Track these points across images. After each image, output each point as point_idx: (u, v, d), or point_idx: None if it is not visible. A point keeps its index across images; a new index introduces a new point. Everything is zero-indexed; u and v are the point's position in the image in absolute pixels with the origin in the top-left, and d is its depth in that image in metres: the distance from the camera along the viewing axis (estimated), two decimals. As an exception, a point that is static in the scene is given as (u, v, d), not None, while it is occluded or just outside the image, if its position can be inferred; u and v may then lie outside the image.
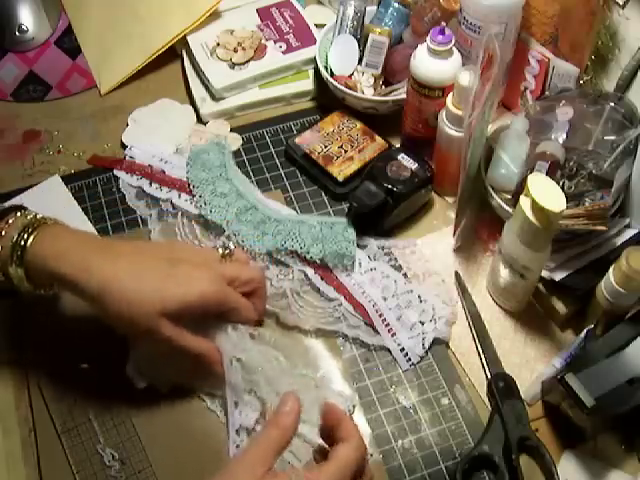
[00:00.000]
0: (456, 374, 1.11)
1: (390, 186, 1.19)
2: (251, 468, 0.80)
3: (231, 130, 1.40)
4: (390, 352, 1.11)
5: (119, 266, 0.95)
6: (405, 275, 1.20)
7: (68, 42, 1.54)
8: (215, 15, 1.50)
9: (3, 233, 0.97)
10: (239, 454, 0.85)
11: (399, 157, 1.24)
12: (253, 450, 0.82)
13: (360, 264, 1.19)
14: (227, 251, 1.09)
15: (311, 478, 0.80)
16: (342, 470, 0.82)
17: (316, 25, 1.51)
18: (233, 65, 1.44)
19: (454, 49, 1.19)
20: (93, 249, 0.97)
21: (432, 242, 1.24)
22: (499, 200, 1.16)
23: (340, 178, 1.28)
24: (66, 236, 1.00)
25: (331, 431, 0.87)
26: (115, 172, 1.31)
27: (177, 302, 0.95)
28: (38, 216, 1.01)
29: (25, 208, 1.02)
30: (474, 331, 1.14)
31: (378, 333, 1.13)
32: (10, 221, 0.98)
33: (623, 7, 1.18)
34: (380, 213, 1.21)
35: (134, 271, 0.96)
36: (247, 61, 1.44)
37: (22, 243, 0.95)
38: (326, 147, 1.32)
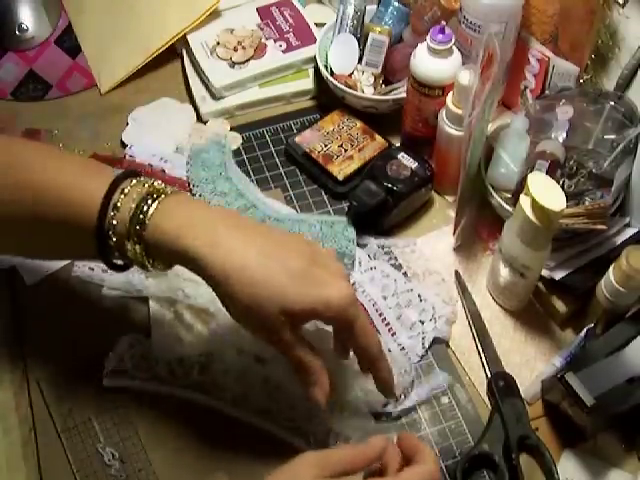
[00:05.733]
0: (456, 373, 1.11)
1: (390, 185, 1.19)
2: (310, 468, 0.80)
3: (231, 129, 1.40)
4: (390, 351, 1.11)
5: (250, 252, 0.85)
6: (405, 274, 1.20)
7: (68, 41, 1.53)
8: (215, 14, 1.50)
9: (119, 204, 0.86)
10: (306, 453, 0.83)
11: (399, 156, 1.24)
12: (322, 455, 0.82)
13: (360, 263, 1.20)
14: None
15: None
16: None
17: (316, 24, 1.51)
18: (233, 64, 1.44)
19: (454, 48, 1.19)
20: (222, 224, 0.87)
21: (432, 241, 1.24)
22: (499, 199, 1.16)
23: (340, 177, 1.28)
24: (191, 206, 0.89)
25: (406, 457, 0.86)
26: (115, 171, 1.31)
27: (304, 305, 0.85)
28: (156, 184, 0.90)
29: (140, 174, 0.92)
30: (474, 330, 1.14)
31: (378, 332, 1.13)
32: (126, 190, 0.87)
33: (623, 6, 1.17)
34: (380, 212, 1.21)
35: (266, 263, 0.85)
36: (247, 60, 1.44)
37: (141, 216, 0.85)
38: (326, 146, 1.32)
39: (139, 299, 1.14)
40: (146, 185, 0.89)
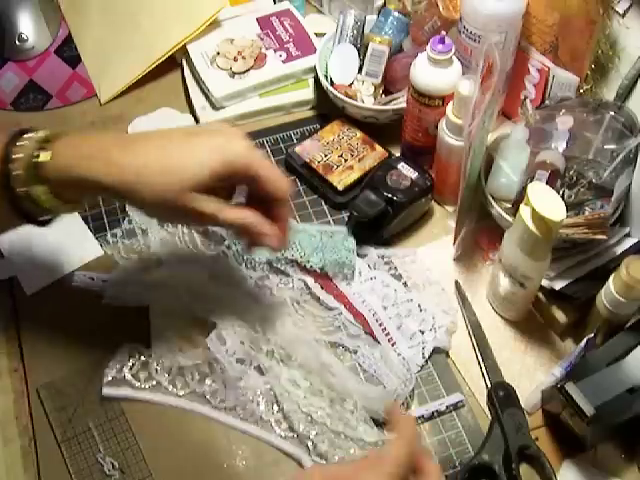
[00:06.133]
0: (456, 383, 1.11)
1: (390, 195, 1.20)
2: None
3: (231, 139, 1.40)
4: (391, 360, 1.11)
5: (142, 155, 0.90)
6: (405, 284, 1.20)
7: (68, 51, 1.54)
8: (215, 24, 1.51)
9: (14, 157, 0.90)
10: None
11: (399, 166, 1.24)
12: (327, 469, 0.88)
13: (360, 273, 1.20)
14: None
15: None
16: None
17: (316, 34, 1.51)
18: (233, 74, 1.44)
19: (454, 58, 1.19)
20: (114, 146, 0.92)
21: (432, 251, 1.24)
22: (499, 209, 1.16)
23: (340, 187, 1.28)
24: (86, 141, 0.93)
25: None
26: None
27: (204, 173, 0.89)
28: (49, 132, 0.94)
29: (34, 129, 0.95)
30: (474, 340, 1.14)
31: (378, 342, 1.13)
32: (21, 143, 0.92)
33: (623, 16, 1.18)
34: (380, 222, 1.21)
35: (156, 154, 0.91)
36: (247, 70, 1.45)
37: (41, 159, 0.90)
38: (326, 156, 1.32)
39: (139, 309, 1.14)
40: (37, 133, 0.93)
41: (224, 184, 0.95)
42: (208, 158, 0.90)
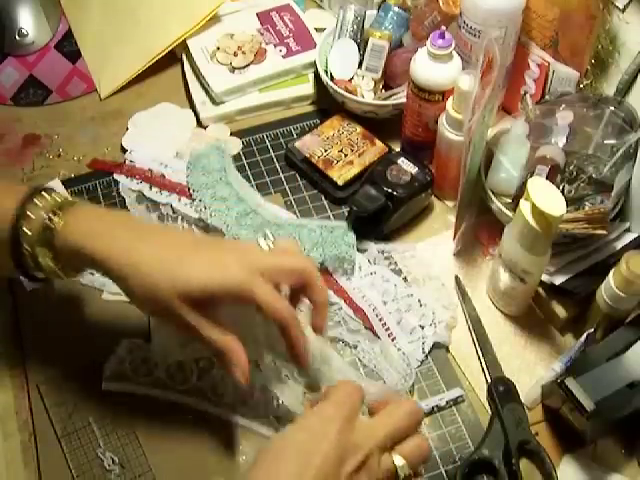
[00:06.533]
0: (456, 378, 1.11)
1: (390, 190, 1.19)
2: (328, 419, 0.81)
3: (231, 134, 1.40)
4: (391, 356, 1.11)
5: (143, 249, 0.91)
6: (405, 279, 1.20)
7: (68, 46, 1.53)
8: (215, 19, 1.51)
9: (32, 216, 0.92)
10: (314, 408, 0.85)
11: (399, 161, 1.24)
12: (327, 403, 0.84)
13: (360, 268, 1.20)
14: (270, 242, 1.00)
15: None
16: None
17: (316, 29, 1.51)
18: (233, 69, 1.44)
19: (454, 53, 1.19)
20: (121, 228, 0.94)
21: (432, 246, 1.24)
22: (499, 204, 1.16)
23: (340, 182, 1.28)
24: (94, 215, 0.96)
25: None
26: (115, 176, 1.30)
27: (194, 287, 0.89)
28: (63, 196, 0.97)
29: (52, 189, 0.97)
30: (474, 335, 1.14)
31: (378, 337, 1.13)
32: (37, 202, 0.94)
33: (623, 11, 1.18)
34: (380, 217, 1.21)
35: (157, 253, 0.91)
36: (247, 65, 1.45)
37: (50, 225, 0.92)
38: (326, 151, 1.32)
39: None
40: (54, 196, 0.96)
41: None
42: (206, 276, 0.90)
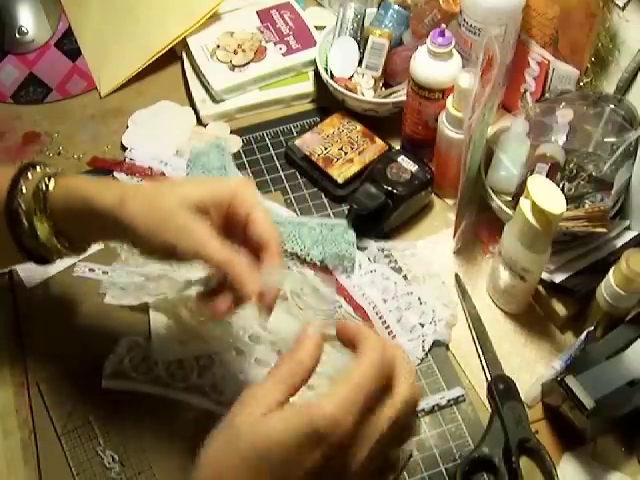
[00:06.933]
0: (456, 376, 1.11)
1: (390, 188, 1.19)
2: (256, 402, 0.71)
3: (231, 132, 1.40)
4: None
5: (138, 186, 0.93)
6: (405, 277, 1.20)
7: (68, 44, 1.53)
8: (215, 17, 1.50)
9: (25, 187, 0.92)
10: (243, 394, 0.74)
11: (399, 159, 1.24)
12: (258, 386, 0.73)
13: (360, 266, 1.20)
14: None
15: (312, 413, 0.69)
16: (355, 394, 0.70)
17: (316, 27, 1.51)
18: (233, 67, 1.44)
19: (454, 51, 1.19)
20: (116, 183, 0.97)
21: (432, 244, 1.24)
22: (499, 202, 1.16)
23: (340, 180, 1.28)
24: (85, 178, 0.97)
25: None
26: (115, 174, 1.30)
27: (195, 195, 0.87)
28: (56, 168, 0.97)
29: (43, 163, 0.97)
30: (474, 333, 1.14)
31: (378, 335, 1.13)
32: (30, 175, 0.94)
33: (623, 9, 1.18)
34: (380, 215, 1.21)
35: (155, 184, 0.93)
36: (247, 63, 1.45)
37: (44, 188, 0.92)
38: (326, 149, 1.32)
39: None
40: (45, 168, 0.95)
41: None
42: (197, 187, 0.89)
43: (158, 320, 1.12)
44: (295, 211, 1.28)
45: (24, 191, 0.92)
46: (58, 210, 0.92)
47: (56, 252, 0.96)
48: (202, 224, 0.85)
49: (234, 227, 0.90)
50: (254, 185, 0.92)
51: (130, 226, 0.86)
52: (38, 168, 0.95)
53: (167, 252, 0.86)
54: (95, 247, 1.20)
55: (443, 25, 1.19)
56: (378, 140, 1.34)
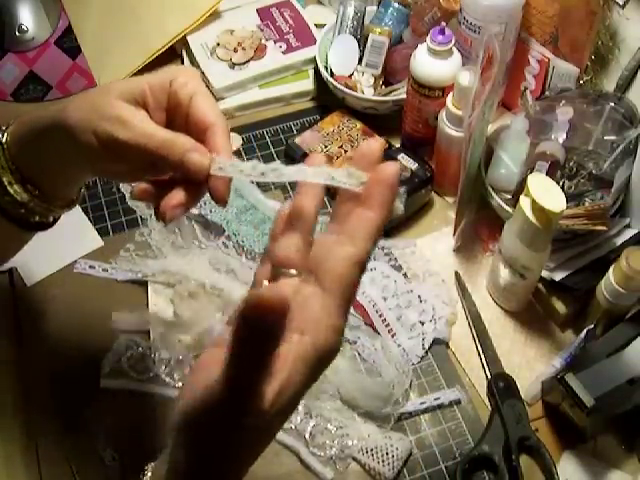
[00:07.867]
0: (456, 374, 1.11)
1: (390, 186, 1.19)
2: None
3: (231, 130, 1.40)
4: (390, 352, 1.11)
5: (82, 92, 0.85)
6: (405, 275, 1.20)
7: (68, 42, 1.53)
8: (215, 15, 1.50)
9: None
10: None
11: (399, 157, 1.24)
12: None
13: (360, 264, 1.19)
14: None
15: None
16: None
17: (316, 25, 1.51)
18: (233, 65, 1.44)
19: (454, 49, 1.19)
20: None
21: (432, 242, 1.24)
22: (499, 200, 1.16)
23: (340, 178, 1.28)
24: (36, 110, 0.89)
25: None
26: (115, 172, 1.30)
27: (131, 86, 0.80)
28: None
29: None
30: (474, 331, 1.14)
31: (378, 333, 1.13)
32: None
33: (623, 7, 1.17)
34: (380, 213, 1.21)
35: (95, 88, 0.86)
36: (247, 61, 1.44)
37: (3, 140, 0.87)
38: (326, 147, 1.32)
39: (138, 299, 1.15)
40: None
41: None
42: (136, 79, 0.82)
43: (157, 318, 1.12)
44: (295, 209, 1.28)
45: None
46: (15, 151, 0.87)
47: (30, 204, 0.88)
48: (138, 112, 0.79)
49: (178, 118, 0.82)
50: (198, 74, 0.85)
51: (70, 126, 0.80)
52: None
53: (110, 149, 0.78)
54: (93, 246, 1.21)
55: (443, 23, 1.19)
56: (378, 138, 1.34)
